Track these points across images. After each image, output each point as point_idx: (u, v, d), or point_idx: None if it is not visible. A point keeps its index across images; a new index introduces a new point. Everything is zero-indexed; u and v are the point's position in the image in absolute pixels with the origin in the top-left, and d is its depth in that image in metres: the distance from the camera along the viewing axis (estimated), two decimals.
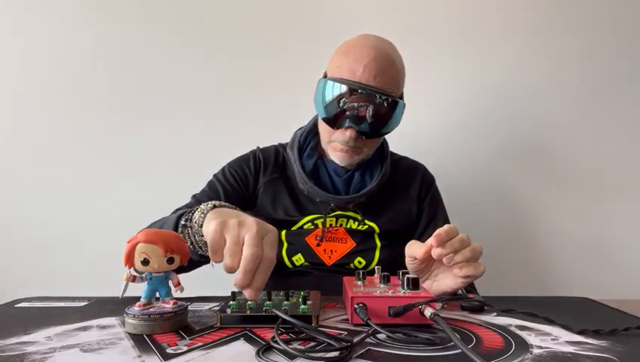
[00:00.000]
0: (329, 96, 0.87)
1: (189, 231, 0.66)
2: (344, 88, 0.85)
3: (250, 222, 0.55)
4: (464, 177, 1.33)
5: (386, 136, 1.00)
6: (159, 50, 1.32)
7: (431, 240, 0.65)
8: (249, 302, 0.58)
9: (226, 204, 0.67)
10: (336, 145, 0.92)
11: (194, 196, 0.96)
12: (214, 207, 0.64)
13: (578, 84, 1.33)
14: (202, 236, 0.63)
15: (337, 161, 0.94)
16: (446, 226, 0.66)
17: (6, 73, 1.31)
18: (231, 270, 0.53)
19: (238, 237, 0.54)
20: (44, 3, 1.30)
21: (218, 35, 1.32)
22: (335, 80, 0.87)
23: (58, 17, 1.31)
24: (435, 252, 0.65)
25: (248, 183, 0.99)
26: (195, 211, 0.65)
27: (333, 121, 0.88)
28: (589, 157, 1.34)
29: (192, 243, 0.66)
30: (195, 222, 0.64)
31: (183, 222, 0.67)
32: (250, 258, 0.52)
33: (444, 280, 0.70)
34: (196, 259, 0.72)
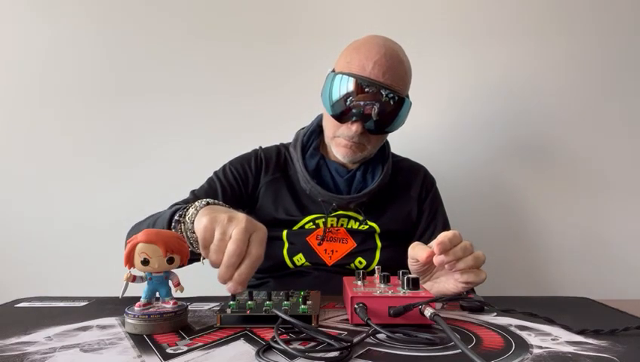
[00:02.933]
0: (337, 90, 0.88)
1: (182, 227, 0.66)
2: (353, 83, 0.85)
3: (240, 218, 0.56)
4: (463, 177, 1.33)
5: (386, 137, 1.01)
6: (160, 49, 1.32)
7: (434, 247, 0.65)
8: (249, 302, 0.58)
9: (220, 202, 0.68)
10: (340, 140, 0.92)
11: (192, 192, 0.96)
12: (207, 204, 0.65)
13: (578, 83, 1.33)
14: (194, 232, 0.63)
15: (340, 157, 0.94)
16: (449, 233, 0.65)
17: (6, 73, 1.31)
18: (216, 266, 0.54)
19: (225, 233, 0.55)
20: (44, 3, 1.30)
21: (219, 34, 1.33)
22: (345, 74, 0.87)
23: (58, 17, 1.31)
24: (437, 259, 0.65)
25: (248, 182, 0.99)
26: (189, 208, 0.66)
27: (340, 115, 0.89)
28: (589, 157, 1.34)
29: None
30: (188, 219, 0.64)
31: (176, 218, 0.67)
32: (232, 252, 0.53)
33: (445, 284, 0.70)
34: None
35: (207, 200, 0.67)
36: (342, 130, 0.91)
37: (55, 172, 1.31)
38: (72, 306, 0.69)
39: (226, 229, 0.55)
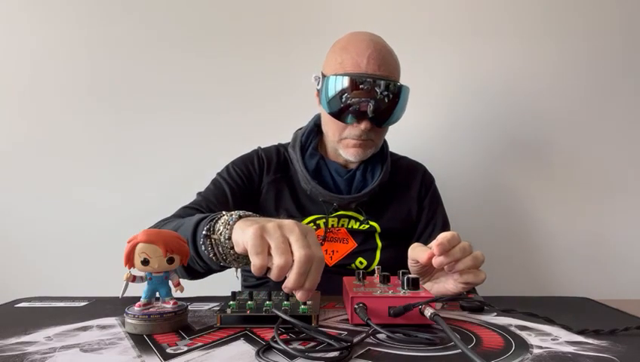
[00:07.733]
0: (339, 94, 0.87)
1: (212, 243, 0.62)
2: (352, 82, 0.86)
3: (290, 223, 0.54)
4: (463, 177, 1.33)
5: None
6: (160, 49, 1.32)
7: (433, 248, 0.65)
8: (249, 302, 0.58)
9: (250, 213, 0.63)
10: (349, 141, 0.92)
11: (199, 194, 0.95)
12: (240, 217, 0.61)
13: (577, 83, 1.33)
14: (230, 248, 0.59)
15: (351, 158, 0.94)
16: (448, 234, 0.65)
17: (6, 73, 1.31)
18: (283, 270, 0.51)
19: (283, 236, 0.53)
20: (43, 3, 1.30)
21: (219, 35, 1.32)
22: (342, 75, 0.87)
23: (58, 17, 1.31)
24: (437, 261, 0.65)
25: (253, 182, 0.99)
26: (216, 222, 0.62)
27: (345, 116, 0.89)
28: (588, 156, 1.34)
29: (214, 254, 0.61)
30: (221, 234, 0.60)
31: (204, 233, 0.62)
32: (304, 259, 0.51)
33: (445, 284, 0.70)
34: (216, 269, 0.68)
35: (239, 213, 0.61)
36: (349, 130, 0.91)
37: (55, 172, 1.31)
38: (72, 306, 0.69)
39: (281, 234, 0.53)
